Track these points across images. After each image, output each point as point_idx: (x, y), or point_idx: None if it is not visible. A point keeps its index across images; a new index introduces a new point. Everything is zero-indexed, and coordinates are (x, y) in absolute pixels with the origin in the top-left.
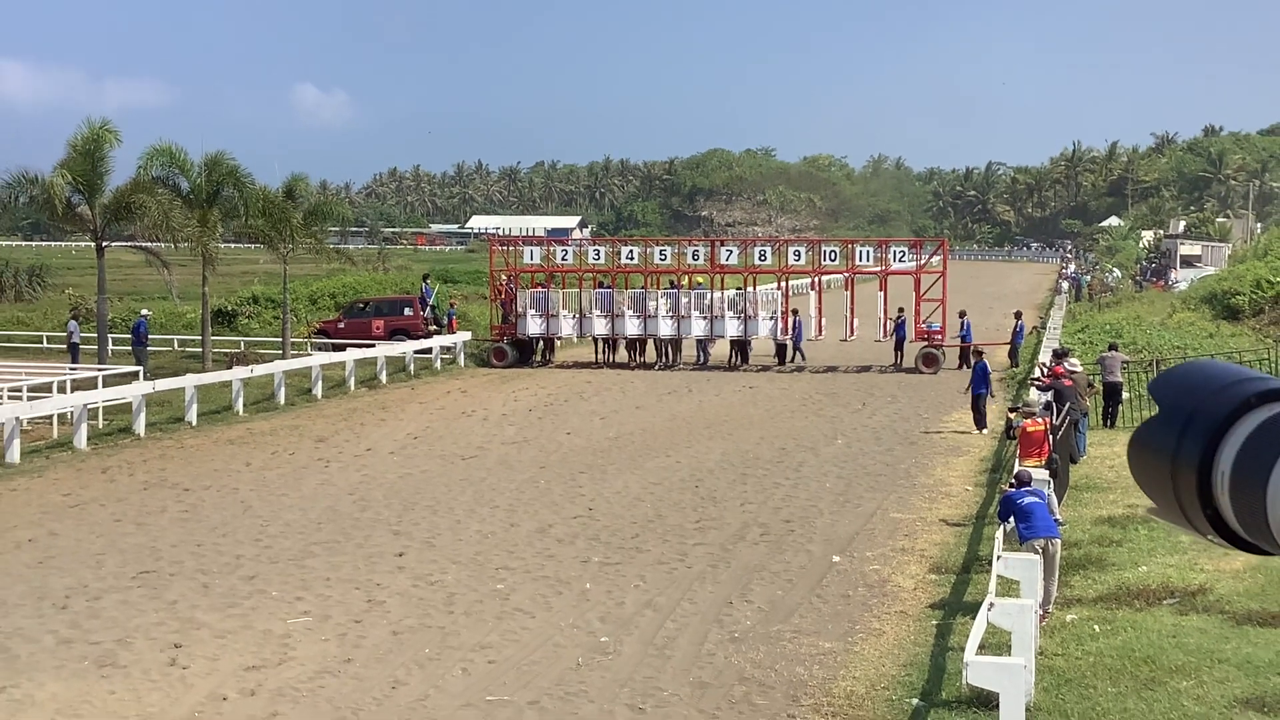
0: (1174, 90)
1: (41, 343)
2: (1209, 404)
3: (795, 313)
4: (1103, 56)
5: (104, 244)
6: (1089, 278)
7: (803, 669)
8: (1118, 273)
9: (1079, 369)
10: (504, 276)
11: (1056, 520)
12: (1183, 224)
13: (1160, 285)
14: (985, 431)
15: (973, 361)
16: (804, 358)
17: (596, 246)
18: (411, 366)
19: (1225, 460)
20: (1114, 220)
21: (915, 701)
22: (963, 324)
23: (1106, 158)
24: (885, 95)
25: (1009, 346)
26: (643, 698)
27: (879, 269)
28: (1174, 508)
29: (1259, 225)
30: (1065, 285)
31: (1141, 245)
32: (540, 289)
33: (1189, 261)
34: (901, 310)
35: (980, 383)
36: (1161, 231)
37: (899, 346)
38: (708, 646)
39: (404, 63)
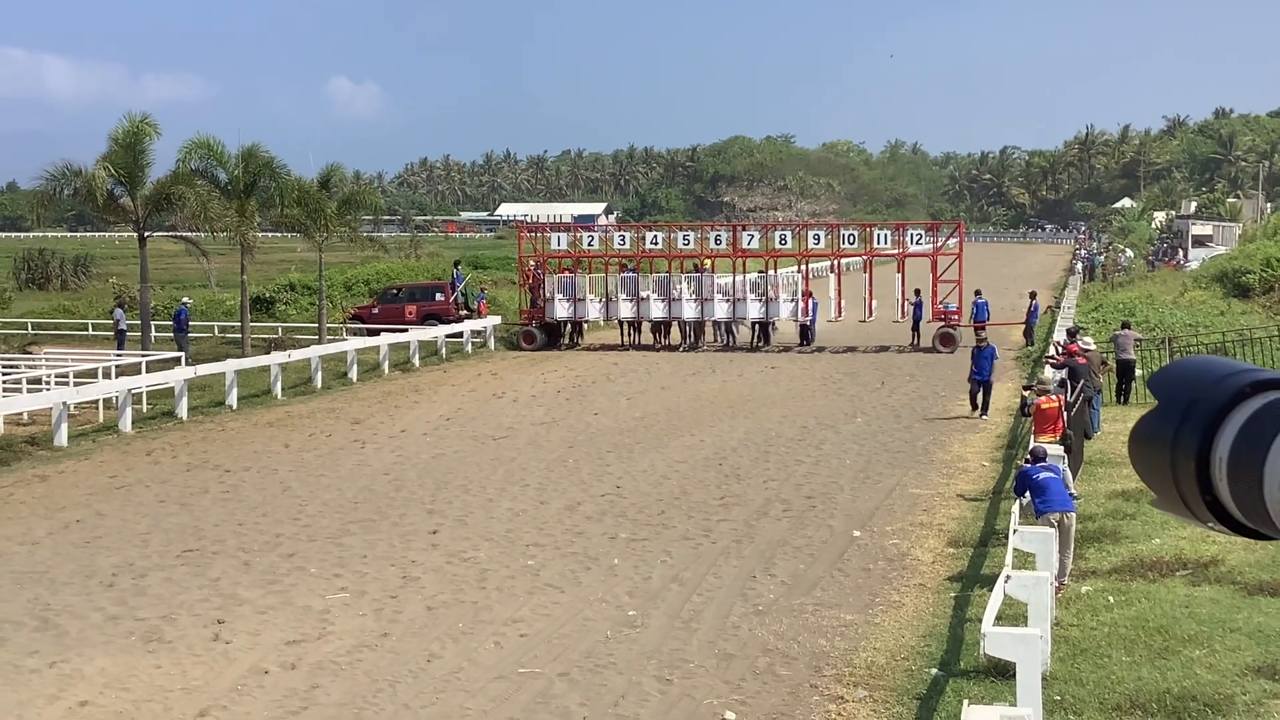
0: (1184, 73)
1: (87, 330)
2: (1206, 395)
3: (810, 295)
4: (1114, 40)
5: (145, 234)
6: (1103, 258)
7: (825, 640)
8: (1130, 253)
9: (1092, 347)
10: (532, 262)
11: (1071, 495)
12: (1194, 204)
13: (1172, 265)
14: (985, 417)
15: (979, 346)
16: (811, 338)
17: (622, 232)
18: (443, 350)
19: (1223, 447)
20: (1127, 202)
21: (934, 671)
22: (975, 304)
23: (1119, 140)
24: (902, 82)
25: (1024, 326)
26: (670, 669)
27: (896, 251)
28: (1174, 497)
29: (1269, 205)
30: (1079, 265)
31: (1154, 226)
32: (568, 274)
33: (1200, 241)
34: (918, 292)
35: (987, 368)
36: (1173, 212)
37: (916, 327)
38: (732, 619)
39: (435, 55)
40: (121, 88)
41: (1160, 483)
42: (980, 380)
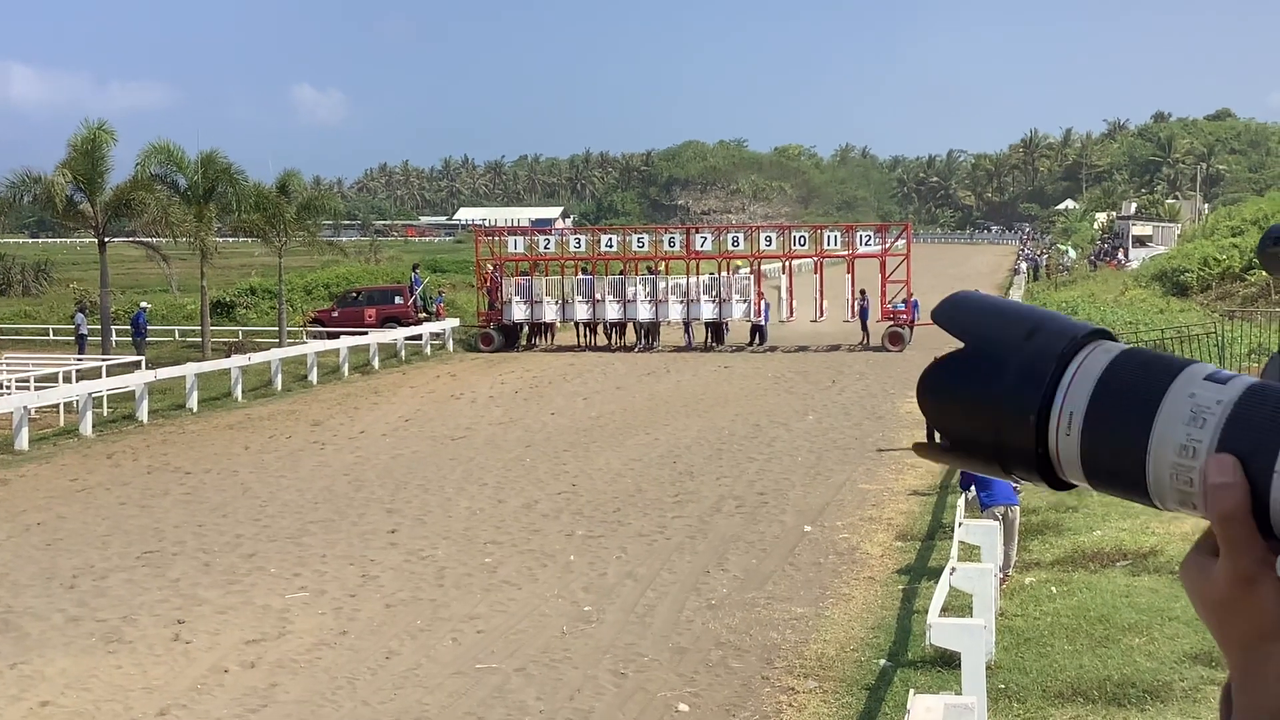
0: (1125, 79)
1: (47, 335)
2: (1039, 344)
3: (761, 296)
4: (1057, 46)
5: (105, 239)
6: (1046, 258)
7: (776, 633)
8: (1073, 253)
9: None
10: (490, 265)
11: (1015, 488)
12: (1134, 206)
13: (1113, 264)
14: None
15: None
16: (763, 338)
17: (578, 235)
18: (403, 352)
19: (1074, 400)
20: (1069, 203)
21: (883, 662)
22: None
23: (1062, 144)
24: (852, 87)
25: None
26: (624, 663)
27: (846, 253)
28: (976, 446)
29: (1206, 206)
30: (1024, 265)
31: (1095, 226)
32: (524, 277)
33: (1140, 241)
34: (864, 292)
35: None
36: (1114, 213)
37: (865, 326)
38: (686, 613)
39: (394, 63)
40: (88, 96)
41: (961, 431)
42: None
